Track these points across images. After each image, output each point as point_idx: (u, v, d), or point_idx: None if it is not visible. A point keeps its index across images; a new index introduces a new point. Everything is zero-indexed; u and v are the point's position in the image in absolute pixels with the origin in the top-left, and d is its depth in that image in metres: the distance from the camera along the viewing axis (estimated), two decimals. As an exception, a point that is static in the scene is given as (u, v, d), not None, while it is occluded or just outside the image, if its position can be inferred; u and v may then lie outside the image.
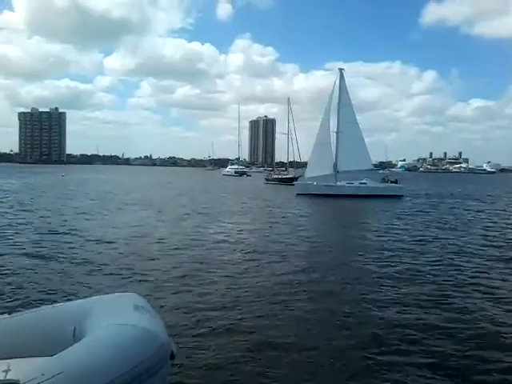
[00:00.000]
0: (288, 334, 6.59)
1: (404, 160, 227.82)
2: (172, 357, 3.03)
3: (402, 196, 41.06)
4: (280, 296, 8.58)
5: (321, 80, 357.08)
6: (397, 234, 17.43)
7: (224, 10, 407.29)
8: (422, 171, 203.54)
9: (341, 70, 46.51)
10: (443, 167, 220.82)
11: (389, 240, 15.82)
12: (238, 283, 9.52)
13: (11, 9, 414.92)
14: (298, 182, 44.86)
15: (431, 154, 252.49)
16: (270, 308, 7.80)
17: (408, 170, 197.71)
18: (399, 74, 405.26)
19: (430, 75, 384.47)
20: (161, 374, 2.97)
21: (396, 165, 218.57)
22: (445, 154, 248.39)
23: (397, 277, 10.28)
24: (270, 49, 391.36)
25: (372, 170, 47.60)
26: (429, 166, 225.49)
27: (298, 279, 9.88)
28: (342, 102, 44.96)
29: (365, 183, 42.09)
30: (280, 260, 12.07)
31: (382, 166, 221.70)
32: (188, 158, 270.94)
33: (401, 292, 9.00)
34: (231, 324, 6.93)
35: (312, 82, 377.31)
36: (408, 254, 13.20)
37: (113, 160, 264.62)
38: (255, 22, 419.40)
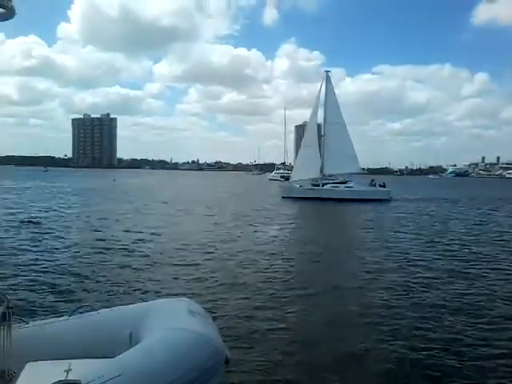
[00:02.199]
0: (344, 338, 6.47)
1: (455, 165, 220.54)
2: (226, 361, 3.02)
3: (389, 200, 40.22)
4: (332, 298, 8.47)
5: (368, 84, 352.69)
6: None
7: (270, 16, 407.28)
8: (473, 177, 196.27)
9: (327, 72, 46.33)
10: (496, 172, 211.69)
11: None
12: (291, 287, 9.49)
13: (67, 20, 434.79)
14: (283, 184, 44.16)
15: (483, 158, 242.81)
16: (323, 311, 7.70)
17: (459, 175, 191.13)
18: (449, 77, 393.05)
19: (481, 77, 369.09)
20: (215, 379, 2.97)
21: (446, 170, 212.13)
22: (498, 158, 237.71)
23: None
24: (316, 53, 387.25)
25: (360, 173, 46.58)
26: (481, 172, 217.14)
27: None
28: (329, 104, 44.56)
29: (351, 187, 41.39)
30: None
31: (432, 170, 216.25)
32: (234, 163, 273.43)
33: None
34: (286, 330, 6.91)
35: (359, 86, 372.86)
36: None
37: (161, 165, 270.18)
38: (301, 27, 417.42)
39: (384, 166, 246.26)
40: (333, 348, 6.23)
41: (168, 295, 7.95)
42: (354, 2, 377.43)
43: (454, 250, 14.84)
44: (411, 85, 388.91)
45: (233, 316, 7.42)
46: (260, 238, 16.83)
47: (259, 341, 6.34)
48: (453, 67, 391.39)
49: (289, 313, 7.86)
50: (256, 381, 5.07)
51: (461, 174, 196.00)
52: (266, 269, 11.54)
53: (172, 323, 3.07)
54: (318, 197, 38.30)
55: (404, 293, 9.27)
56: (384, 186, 43.34)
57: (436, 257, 13.60)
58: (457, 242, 16.82)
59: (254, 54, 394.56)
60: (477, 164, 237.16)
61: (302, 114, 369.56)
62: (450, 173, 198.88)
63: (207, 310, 3.65)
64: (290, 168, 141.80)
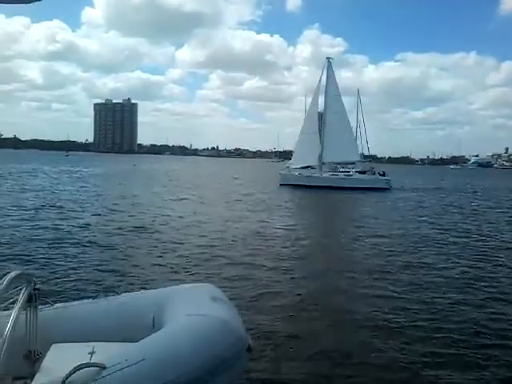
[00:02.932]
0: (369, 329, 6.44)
1: (477, 155, 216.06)
2: (249, 349, 3.03)
3: (388, 189, 39.86)
4: (357, 288, 8.43)
5: (391, 71, 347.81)
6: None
7: (293, 2, 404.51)
8: (496, 167, 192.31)
9: (328, 59, 45.57)
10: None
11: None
12: (316, 277, 9.49)
13: (92, 5, 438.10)
14: (281, 171, 43.46)
15: (507, 149, 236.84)
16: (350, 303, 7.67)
17: (481, 165, 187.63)
18: (474, 65, 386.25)
19: (508, 66, 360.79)
20: (238, 366, 2.98)
21: (469, 160, 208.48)
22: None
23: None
24: (339, 40, 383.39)
25: (359, 161, 45.92)
26: (504, 162, 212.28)
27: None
28: (330, 92, 44.06)
29: (350, 174, 41.15)
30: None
31: (454, 160, 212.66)
32: (253, 150, 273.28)
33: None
34: (310, 317, 6.90)
35: (382, 74, 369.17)
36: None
37: (181, 151, 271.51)
38: (324, 13, 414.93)
39: (405, 156, 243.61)
40: (361, 336, 6.21)
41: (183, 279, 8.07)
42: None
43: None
44: (435, 73, 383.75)
45: (252, 302, 7.43)
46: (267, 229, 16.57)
47: (282, 328, 6.36)
48: (478, 55, 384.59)
49: (313, 300, 7.83)
50: (278, 368, 5.09)
51: (483, 165, 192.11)
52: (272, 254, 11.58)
53: (195, 309, 3.08)
54: (316, 185, 37.93)
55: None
56: (384, 175, 43.07)
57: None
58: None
59: (277, 40, 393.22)
60: (500, 155, 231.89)
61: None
62: (473, 163, 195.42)
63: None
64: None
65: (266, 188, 37.21)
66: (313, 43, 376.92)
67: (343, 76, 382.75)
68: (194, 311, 3.03)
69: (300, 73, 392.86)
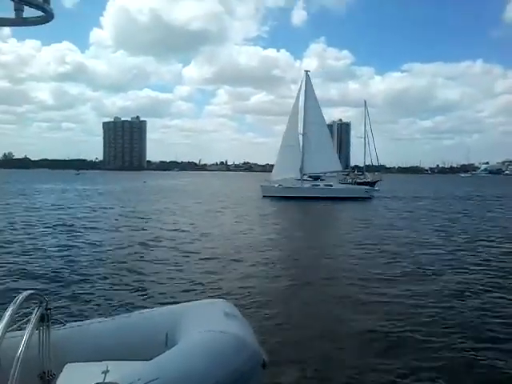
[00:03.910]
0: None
1: (487, 163, 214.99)
2: (264, 365, 2.97)
3: (370, 198, 40.36)
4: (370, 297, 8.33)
5: (398, 82, 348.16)
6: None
7: (298, 17, 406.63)
8: (507, 174, 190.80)
9: (306, 72, 46.60)
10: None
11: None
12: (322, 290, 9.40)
13: (100, 26, 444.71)
14: (263, 184, 43.89)
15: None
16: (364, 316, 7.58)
17: (491, 172, 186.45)
18: (481, 73, 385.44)
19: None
20: (253, 383, 2.92)
21: (479, 168, 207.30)
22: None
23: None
24: (345, 52, 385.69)
25: (340, 171, 48.17)
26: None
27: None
28: (309, 104, 44.78)
29: (330, 185, 41.79)
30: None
31: (464, 168, 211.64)
32: (262, 164, 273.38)
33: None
34: (323, 332, 6.81)
35: (389, 85, 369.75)
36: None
37: (190, 166, 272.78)
38: (330, 26, 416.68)
39: (414, 165, 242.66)
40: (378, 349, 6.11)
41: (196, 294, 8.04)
42: (382, 0, 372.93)
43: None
44: (442, 82, 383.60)
45: (265, 315, 7.36)
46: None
47: (297, 344, 6.27)
48: (485, 63, 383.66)
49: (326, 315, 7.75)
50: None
51: (494, 172, 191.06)
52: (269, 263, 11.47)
53: (209, 325, 3.03)
54: (297, 195, 38.55)
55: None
56: (367, 184, 44.81)
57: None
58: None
59: (283, 55, 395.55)
60: (511, 161, 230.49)
61: (331, 114, 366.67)
62: (483, 170, 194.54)
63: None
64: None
65: (249, 200, 38.27)
66: (319, 56, 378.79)
67: (350, 88, 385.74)
68: (207, 328, 2.98)
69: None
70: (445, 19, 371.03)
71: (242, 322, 3.23)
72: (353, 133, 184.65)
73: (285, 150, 43.62)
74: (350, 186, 43.78)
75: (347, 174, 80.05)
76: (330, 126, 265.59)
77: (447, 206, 34.85)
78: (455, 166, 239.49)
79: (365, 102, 68.32)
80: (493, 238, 16.99)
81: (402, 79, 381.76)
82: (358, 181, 62.50)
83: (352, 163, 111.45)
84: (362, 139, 66.25)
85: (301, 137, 43.95)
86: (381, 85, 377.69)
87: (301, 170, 42.72)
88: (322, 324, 7.22)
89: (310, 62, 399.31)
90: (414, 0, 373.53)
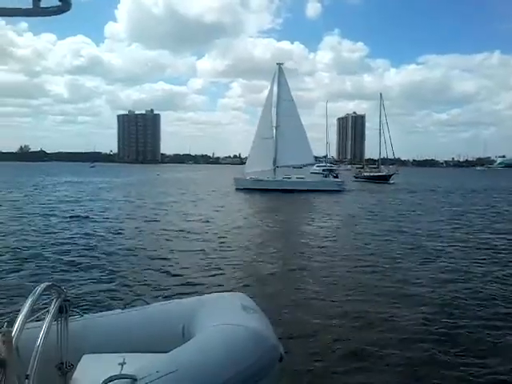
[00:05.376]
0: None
1: (504, 156, 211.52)
2: (281, 359, 2.95)
3: (341, 191, 40.81)
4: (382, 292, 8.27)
5: (413, 74, 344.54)
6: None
7: (313, 9, 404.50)
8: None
9: (279, 64, 46.89)
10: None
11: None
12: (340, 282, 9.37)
13: (114, 19, 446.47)
14: (236, 176, 44.49)
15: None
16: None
17: (508, 166, 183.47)
18: (499, 65, 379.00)
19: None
20: (270, 377, 2.90)
21: (495, 161, 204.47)
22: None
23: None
24: (359, 44, 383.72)
25: (313, 164, 48.61)
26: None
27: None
28: (282, 96, 45.26)
29: (302, 177, 42.37)
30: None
31: (480, 162, 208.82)
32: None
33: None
34: (339, 326, 6.77)
35: (404, 77, 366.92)
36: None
37: (204, 159, 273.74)
38: (344, 18, 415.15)
39: (429, 158, 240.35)
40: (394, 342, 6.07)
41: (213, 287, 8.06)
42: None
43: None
44: (458, 74, 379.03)
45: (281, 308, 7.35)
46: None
47: (313, 337, 6.26)
48: (502, 55, 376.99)
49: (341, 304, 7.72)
50: (310, 379, 5.01)
51: (510, 165, 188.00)
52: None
53: (226, 318, 3.02)
54: (270, 188, 39.04)
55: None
56: (337, 177, 45.74)
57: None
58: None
59: (297, 47, 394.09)
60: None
61: (345, 107, 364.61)
62: (499, 164, 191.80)
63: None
64: (333, 161, 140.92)
65: (221, 192, 39.02)
66: (333, 49, 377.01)
67: (365, 80, 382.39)
68: (224, 320, 2.97)
69: (321, 78, 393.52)
70: (461, 10, 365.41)
71: (260, 316, 3.21)
72: (368, 125, 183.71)
73: (258, 143, 44.14)
74: (323, 179, 44.43)
75: (362, 167, 79.77)
76: (345, 119, 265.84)
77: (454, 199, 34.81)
78: (471, 159, 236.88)
79: (380, 94, 67.83)
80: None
81: (418, 71, 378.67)
82: (373, 174, 62.41)
83: (367, 156, 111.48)
84: (377, 132, 65.63)
85: (274, 129, 44.49)
86: (396, 77, 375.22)
87: (274, 162, 43.42)
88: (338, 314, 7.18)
89: (324, 55, 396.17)
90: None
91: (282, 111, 44.76)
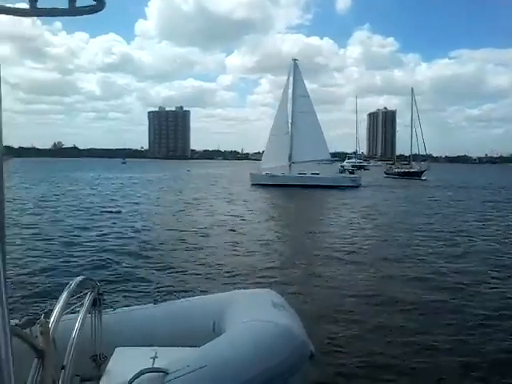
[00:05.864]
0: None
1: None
2: (311, 356, 2.94)
3: (357, 186, 40.61)
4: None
5: (445, 69, 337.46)
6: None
7: (343, 3, 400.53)
8: None
9: (294, 60, 46.75)
10: None
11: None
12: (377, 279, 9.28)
13: (145, 17, 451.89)
14: (251, 172, 44.38)
15: None
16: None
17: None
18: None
19: None
20: (300, 374, 2.90)
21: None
22: None
23: None
24: (390, 39, 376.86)
25: (329, 160, 47.09)
26: None
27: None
28: (298, 92, 45.20)
29: (317, 173, 41.80)
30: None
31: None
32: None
33: None
34: (369, 322, 6.72)
35: (436, 72, 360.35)
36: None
37: (233, 155, 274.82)
38: (375, 13, 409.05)
39: (462, 155, 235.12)
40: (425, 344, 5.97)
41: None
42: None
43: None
44: (492, 69, 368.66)
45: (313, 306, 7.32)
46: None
47: (344, 335, 6.23)
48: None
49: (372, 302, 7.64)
50: (341, 376, 4.98)
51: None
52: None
53: (256, 315, 3.02)
54: (285, 183, 38.84)
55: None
56: (353, 173, 45.43)
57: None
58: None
59: (326, 43, 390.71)
60: None
61: (375, 102, 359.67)
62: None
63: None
64: (363, 157, 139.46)
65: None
66: (363, 44, 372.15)
67: (395, 75, 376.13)
68: (255, 317, 2.98)
69: (351, 74, 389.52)
70: (496, 4, 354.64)
71: (290, 313, 3.21)
72: (398, 121, 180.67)
73: (274, 139, 44.25)
74: (338, 174, 43.82)
75: (392, 164, 78.60)
76: (375, 114, 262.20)
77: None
78: (505, 155, 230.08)
79: (412, 89, 66.70)
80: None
81: (450, 66, 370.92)
82: (405, 170, 61.45)
83: (397, 152, 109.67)
84: (408, 128, 64.62)
85: (290, 125, 44.46)
86: (427, 72, 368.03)
87: (289, 157, 43.50)
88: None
89: (353, 50, 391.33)
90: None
91: (298, 107, 44.86)
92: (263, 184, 39.78)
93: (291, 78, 45.87)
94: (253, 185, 41.13)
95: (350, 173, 45.28)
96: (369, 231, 16.56)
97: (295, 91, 45.37)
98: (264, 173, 42.52)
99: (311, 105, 46.16)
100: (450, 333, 6.34)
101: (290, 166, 43.35)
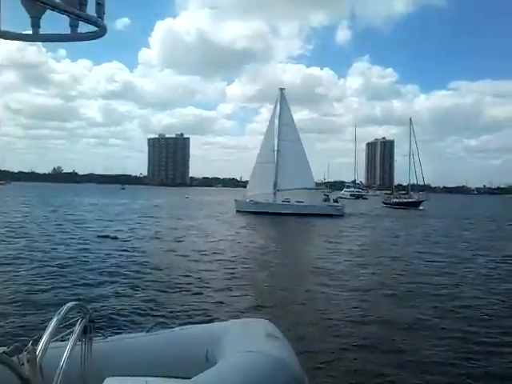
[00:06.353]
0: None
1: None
2: (306, 389, 2.88)
3: (341, 215, 40.85)
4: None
5: (444, 100, 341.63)
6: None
7: (343, 36, 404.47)
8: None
9: (281, 89, 47.92)
10: None
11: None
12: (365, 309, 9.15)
13: (148, 46, 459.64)
14: (237, 199, 45.09)
15: None
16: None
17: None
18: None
19: None
20: (295, 406, 2.83)
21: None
22: None
23: None
24: (389, 70, 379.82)
25: (314, 189, 48.40)
26: None
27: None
28: (284, 121, 46.07)
29: (302, 202, 42.59)
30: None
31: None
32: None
33: None
34: (368, 355, 6.61)
35: (434, 103, 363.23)
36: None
37: (232, 183, 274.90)
38: (374, 45, 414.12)
39: (461, 185, 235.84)
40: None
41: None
42: (427, 18, 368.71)
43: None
44: (490, 100, 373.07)
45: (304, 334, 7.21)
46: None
47: (338, 367, 6.11)
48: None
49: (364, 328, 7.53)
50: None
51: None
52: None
53: (250, 345, 2.96)
54: (269, 211, 39.19)
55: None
56: (337, 202, 45.67)
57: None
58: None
59: (326, 73, 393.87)
60: None
61: (374, 132, 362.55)
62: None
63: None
64: (362, 186, 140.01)
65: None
66: (363, 74, 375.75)
67: (394, 106, 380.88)
68: (249, 348, 2.92)
69: (350, 104, 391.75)
70: (492, 35, 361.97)
71: (284, 343, 3.15)
72: (397, 151, 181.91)
73: (260, 167, 44.88)
74: (323, 203, 44.20)
75: (391, 193, 78.85)
76: (374, 144, 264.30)
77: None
78: (503, 186, 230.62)
79: (410, 119, 67.60)
80: None
81: (449, 97, 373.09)
82: (403, 200, 61.55)
83: (395, 182, 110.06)
84: (406, 157, 65.14)
85: (276, 153, 45.10)
86: (426, 103, 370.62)
87: (274, 185, 43.92)
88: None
89: (353, 80, 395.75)
90: (458, 18, 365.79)
91: (283, 136, 45.64)
92: (248, 211, 40.11)
93: (278, 107, 46.95)
94: (237, 211, 41.49)
95: (335, 201, 45.75)
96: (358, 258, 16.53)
97: (281, 120, 46.45)
98: (248, 200, 42.97)
99: (297, 133, 47.14)
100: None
101: (274, 193, 43.78)
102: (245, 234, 24.60)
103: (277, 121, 46.58)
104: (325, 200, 45.25)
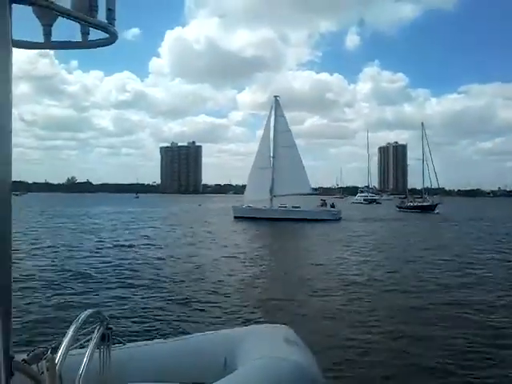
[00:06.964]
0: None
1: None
2: (325, 394, 2.84)
3: (337, 220, 40.94)
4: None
5: (455, 103, 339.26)
6: None
7: (352, 41, 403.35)
8: None
9: (276, 97, 48.35)
10: None
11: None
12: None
13: (158, 55, 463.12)
14: (235, 205, 45.57)
15: None
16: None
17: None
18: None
19: None
20: (313, 412, 2.79)
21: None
22: None
23: None
24: (399, 75, 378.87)
25: (310, 194, 48.43)
26: None
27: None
28: (279, 128, 46.46)
29: (298, 207, 42.69)
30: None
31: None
32: (316, 187, 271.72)
33: None
34: (385, 359, 6.55)
35: (445, 106, 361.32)
36: None
37: (244, 189, 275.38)
38: (384, 50, 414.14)
39: (475, 188, 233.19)
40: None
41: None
42: (435, 22, 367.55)
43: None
44: (501, 103, 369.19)
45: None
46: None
47: (358, 371, 6.04)
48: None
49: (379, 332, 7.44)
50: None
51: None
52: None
53: (269, 351, 2.92)
54: (266, 217, 39.45)
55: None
56: (333, 207, 45.59)
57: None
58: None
59: (336, 79, 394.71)
60: None
61: (386, 137, 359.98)
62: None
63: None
64: (375, 191, 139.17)
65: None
66: (373, 79, 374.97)
67: (406, 110, 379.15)
68: (267, 353, 2.88)
69: (361, 109, 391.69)
70: (500, 38, 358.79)
71: (304, 349, 3.11)
72: (409, 155, 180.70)
73: (256, 173, 45.19)
74: (319, 208, 44.67)
75: (405, 197, 78.13)
76: (386, 149, 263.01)
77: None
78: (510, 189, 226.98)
79: (422, 123, 67.06)
80: None
81: (460, 100, 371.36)
82: (418, 204, 60.95)
83: (409, 186, 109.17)
84: (419, 161, 64.63)
85: (272, 160, 45.40)
86: (437, 107, 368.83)
87: (271, 191, 44.04)
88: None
89: (363, 85, 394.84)
90: (468, 21, 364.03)
91: (279, 142, 46.02)
92: (245, 217, 40.37)
93: (273, 114, 47.26)
94: (235, 217, 41.67)
95: (331, 206, 45.85)
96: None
97: (277, 127, 46.71)
98: (245, 205, 43.36)
99: (292, 139, 47.61)
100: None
101: (271, 199, 43.92)
102: (239, 240, 24.77)
103: (272, 127, 47.03)
104: (322, 205, 45.64)
